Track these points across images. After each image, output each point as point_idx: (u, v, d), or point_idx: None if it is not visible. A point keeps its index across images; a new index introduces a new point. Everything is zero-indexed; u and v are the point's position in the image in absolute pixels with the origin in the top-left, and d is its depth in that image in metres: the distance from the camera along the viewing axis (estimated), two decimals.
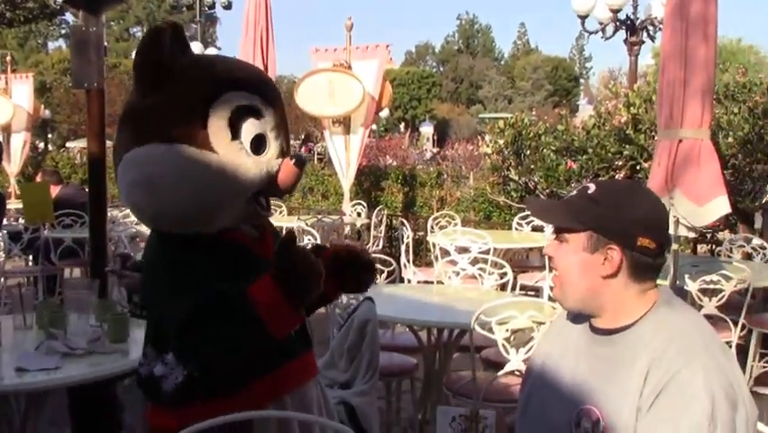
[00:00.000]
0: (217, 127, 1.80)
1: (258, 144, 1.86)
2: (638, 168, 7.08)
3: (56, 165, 13.94)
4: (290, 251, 1.74)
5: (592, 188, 1.69)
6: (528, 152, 8.26)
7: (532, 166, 8.19)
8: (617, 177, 7.18)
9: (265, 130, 1.88)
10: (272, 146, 1.90)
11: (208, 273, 1.80)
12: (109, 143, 3.25)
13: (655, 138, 6.65)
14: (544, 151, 8.06)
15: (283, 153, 1.93)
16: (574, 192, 1.73)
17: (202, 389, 1.86)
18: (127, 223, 7.35)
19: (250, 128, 1.85)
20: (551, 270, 1.78)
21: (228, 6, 17.26)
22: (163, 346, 1.89)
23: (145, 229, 7.12)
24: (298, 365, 2.03)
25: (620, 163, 7.27)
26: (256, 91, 1.87)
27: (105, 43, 3.70)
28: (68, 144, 26.87)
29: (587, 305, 1.69)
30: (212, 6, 17.90)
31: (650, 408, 1.53)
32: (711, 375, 1.51)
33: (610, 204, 1.64)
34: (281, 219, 8.56)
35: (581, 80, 64.94)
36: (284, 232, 2.11)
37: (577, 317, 1.78)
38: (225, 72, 1.88)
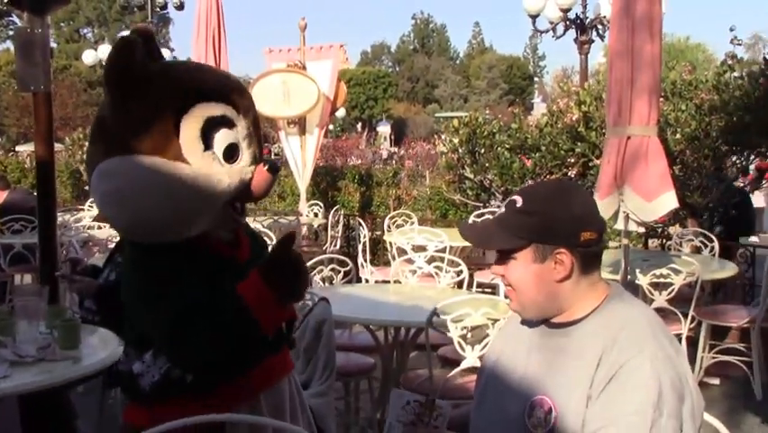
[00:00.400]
0: (189, 139, 1.80)
1: (230, 153, 1.86)
2: (590, 165, 7.20)
3: (4, 169, 13.64)
4: (287, 249, 1.82)
5: (519, 200, 1.69)
6: (483, 150, 8.33)
7: (486, 164, 8.27)
8: (569, 174, 7.30)
9: (237, 139, 1.87)
10: (245, 154, 1.90)
11: (188, 278, 1.83)
12: (59, 147, 3.21)
13: (606, 135, 6.79)
14: (499, 149, 8.14)
15: (256, 160, 1.93)
16: (503, 209, 1.72)
17: (177, 387, 1.88)
18: (79, 228, 7.23)
19: (222, 138, 1.84)
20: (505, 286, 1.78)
21: (180, 7, 16.99)
22: (144, 347, 1.93)
23: (98, 233, 7.03)
24: (280, 359, 2.07)
25: (572, 161, 7.39)
26: (228, 101, 1.86)
27: (54, 45, 3.64)
28: (17, 148, 26.29)
29: (546, 311, 1.71)
30: (164, 7, 17.60)
31: (599, 395, 1.56)
32: (659, 365, 1.54)
33: (544, 211, 1.65)
34: None
35: (536, 79, 65.64)
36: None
37: None
38: (196, 82, 1.86)
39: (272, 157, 18.87)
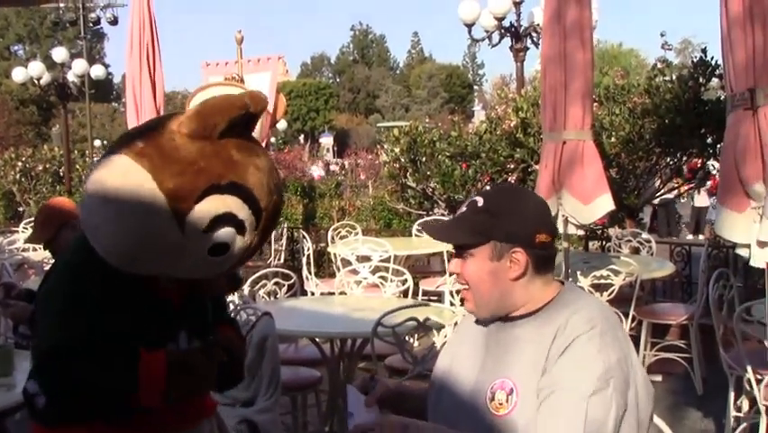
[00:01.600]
0: (204, 211, 1.69)
1: (220, 251, 1.75)
2: (529, 170, 7.31)
3: None
4: (206, 352, 1.79)
5: (480, 200, 1.76)
6: (424, 158, 8.38)
7: (428, 172, 8.31)
8: (510, 180, 7.39)
9: (235, 245, 1.76)
10: (230, 257, 1.79)
11: (106, 302, 1.77)
12: None
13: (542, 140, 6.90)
14: (440, 157, 8.20)
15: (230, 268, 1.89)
16: (464, 208, 1.79)
17: (67, 413, 1.80)
18: (12, 250, 7.02)
19: (225, 236, 1.73)
20: (460, 286, 1.84)
21: (114, 22, 16.75)
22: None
23: (33, 255, 6.83)
24: (195, 404, 1.98)
25: (512, 166, 7.48)
26: (258, 215, 1.76)
27: None
28: None
29: (500, 309, 1.76)
30: (96, 23, 17.31)
31: (552, 367, 1.62)
32: (609, 342, 1.61)
33: (504, 211, 1.73)
34: None
35: (475, 87, 66.45)
36: None
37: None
38: (252, 181, 1.74)
39: None
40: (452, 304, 4.72)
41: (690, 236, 13.50)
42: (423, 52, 74.74)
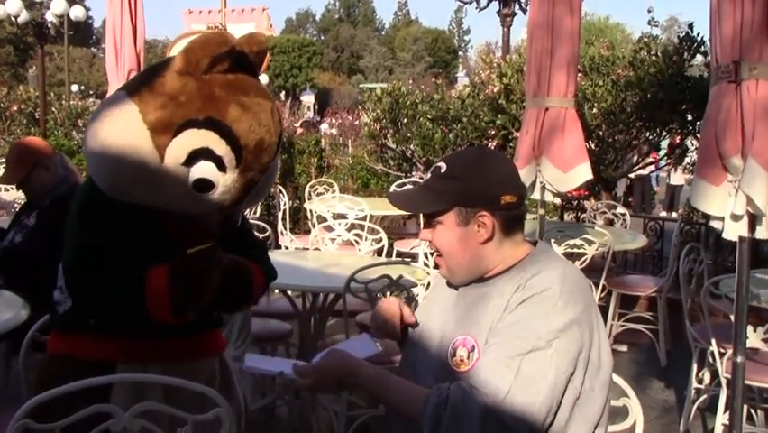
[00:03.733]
0: (179, 145, 1.73)
1: (204, 187, 1.77)
2: (510, 137, 7.30)
3: None
4: (205, 258, 1.75)
5: (443, 166, 1.75)
6: (405, 120, 8.34)
7: (408, 135, 8.29)
8: (490, 145, 7.38)
9: (218, 182, 1.77)
10: (214, 195, 1.80)
11: (120, 234, 1.83)
12: None
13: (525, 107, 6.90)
14: (421, 120, 8.17)
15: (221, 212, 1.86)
16: (428, 175, 1.79)
17: (85, 321, 1.88)
18: None
19: (204, 170, 1.75)
20: (432, 254, 1.83)
21: None
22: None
23: (4, 195, 6.74)
24: (191, 342, 2.00)
25: (493, 132, 7.48)
26: (237, 149, 1.76)
27: None
28: None
29: (473, 273, 1.76)
30: None
31: (497, 324, 1.63)
32: (559, 306, 1.59)
33: (466, 176, 1.72)
34: None
35: (460, 53, 66.13)
36: None
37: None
38: (231, 116, 1.76)
39: None
40: (425, 265, 4.73)
41: (663, 213, 13.63)
42: (409, 15, 74.17)
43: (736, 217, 2.54)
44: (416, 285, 3.58)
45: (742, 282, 2.68)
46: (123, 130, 1.75)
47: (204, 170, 1.75)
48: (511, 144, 7.25)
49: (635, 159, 7.91)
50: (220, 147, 1.75)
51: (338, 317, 4.16)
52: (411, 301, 3.52)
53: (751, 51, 2.45)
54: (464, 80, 32.75)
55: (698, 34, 6.60)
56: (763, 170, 2.41)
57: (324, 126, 13.80)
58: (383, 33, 71.23)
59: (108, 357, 1.87)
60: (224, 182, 1.78)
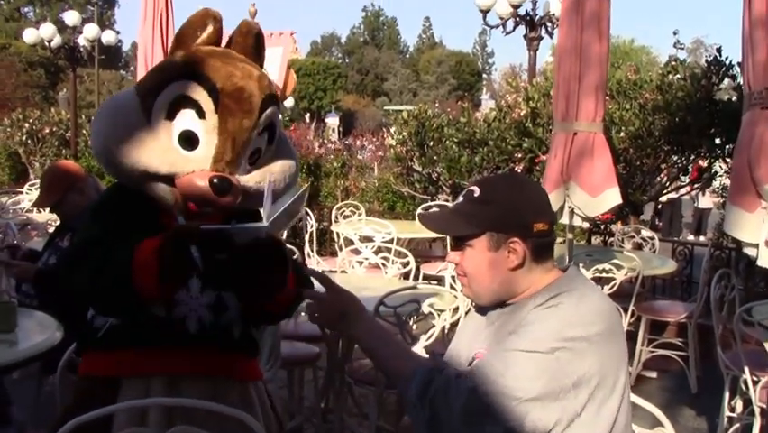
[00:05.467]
0: (161, 101, 1.84)
1: (190, 141, 1.84)
2: (536, 161, 7.29)
3: None
4: (190, 233, 1.70)
5: (476, 190, 1.75)
6: (431, 143, 8.36)
7: (435, 157, 8.30)
8: (516, 169, 7.38)
9: (199, 131, 1.83)
10: (201, 150, 1.84)
11: (120, 222, 1.84)
12: None
13: (552, 132, 6.89)
14: (447, 142, 8.19)
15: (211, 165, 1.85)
16: (461, 198, 1.79)
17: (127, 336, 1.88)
18: (17, 210, 7.03)
19: (186, 120, 1.83)
20: (457, 276, 1.83)
21: None
22: None
23: (37, 217, 6.84)
24: (193, 353, 1.91)
25: (519, 156, 7.47)
26: (213, 91, 1.82)
27: None
28: None
29: (500, 297, 1.76)
30: None
31: (523, 320, 1.64)
32: (588, 310, 1.59)
33: (499, 201, 1.72)
34: None
35: (484, 75, 66.22)
36: None
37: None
38: (203, 63, 1.86)
39: None
40: (452, 288, 4.73)
41: (690, 237, 13.49)
42: (433, 38, 74.47)
43: None
44: (443, 310, 3.57)
45: None
46: (119, 102, 1.94)
47: (184, 120, 1.83)
48: (537, 168, 7.24)
49: (663, 182, 7.85)
50: (196, 92, 1.82)
51: None
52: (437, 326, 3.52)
53: None
54: (489, 103, 32.73)
55: (726, 58, 6.57)
56: None
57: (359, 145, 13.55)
58: (407, 56, 71.60)
59: (114, 372, 1.88)
60: (207, 130, 1.83)
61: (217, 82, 1.82)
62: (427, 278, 6.58)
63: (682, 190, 8.72)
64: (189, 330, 1.88)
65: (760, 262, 2.55)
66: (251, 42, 1.97)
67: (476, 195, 1.74)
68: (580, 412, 1.55)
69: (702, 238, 12.57)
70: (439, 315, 3.61)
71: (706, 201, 13.49)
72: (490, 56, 71.38)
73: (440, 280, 6.54)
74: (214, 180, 1.78)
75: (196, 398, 1.79)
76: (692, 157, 7.09)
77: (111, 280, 1.70)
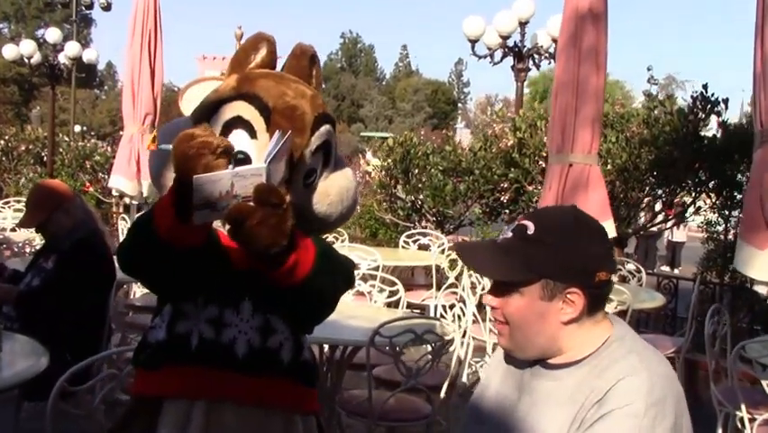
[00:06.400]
0: (215, 122, 1.82)
1: (239, 163, 1.73)
2: (522, 191, 7.29)
3: None
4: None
5: (531, 226, 1.49)
6: (416, 170, 8.34)
7: (419, 185, 8.28)
8: (502, 199, 7.37)
9: (252, 152, 1.79)
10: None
11: None
12: None
13: (539, 162, 6.90)
14: (432, 170, 8.17)
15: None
16: (509, 233, 1.53)
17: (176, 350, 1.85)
18: None
19: (239, 140, 1.78)
20: (492, 319, 1.61)
21: (107, 8, 16.55)
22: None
23: (13, 236, 6.67)
24: (239, 380, 1.84)
25: (505, 186, 7.47)
26: (264, 111, 1.80)
27: None
28: None
29: (543, 352, 1.53)
30: (89, 6, 17.12)
31: (585, 431, 1.44)
32: (644, 425, 1.40)
33: (560, 244, 1.47)
34: None
35: (459, 105, 66.79)
36: None
37: None
38: (265, 87, 1.84)
39: None
40: (443, 317, 4.68)
41: (664, 268, 13.61)
42: (410, 66, 74.97)
43: None
44: (441, 340, 3.51)
45: None
46: (175, 126, 1.89)
47: (236, 141, 1.76)
48: (523, 198, 7.24)
49: (646, 215, 7.89)
50: (248, 112, 1.79)
51: (354, 370, 4.07)
52: (437, 357, 3.45)
53: None
54: (464, 132, 32.97)
55: (712, 94, 6.63)
56: None
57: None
58: (384, 83, 71.99)
59: (157, 391, 1.87)
60: (259, 149, 1.76)
61: (269, 101, 1.81)
62: (411, 306, 6.50)
63: (668, 224, 8.78)
64: (237, 354, 1.83)
65: None
66: (305, 64, 1.97)
67: (530, 232, 1.48)
68: None
69: (676, 271, 12.67)
70: (435, 346, 3.54)
71: (680, 234, 13.63)
72: (466, 85, 72.05)
73: (423, 309, 6.49)
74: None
75: (238, 426, 1.78)
76: (678, 191, 7.14)
77: (135, 229, 1.77)
